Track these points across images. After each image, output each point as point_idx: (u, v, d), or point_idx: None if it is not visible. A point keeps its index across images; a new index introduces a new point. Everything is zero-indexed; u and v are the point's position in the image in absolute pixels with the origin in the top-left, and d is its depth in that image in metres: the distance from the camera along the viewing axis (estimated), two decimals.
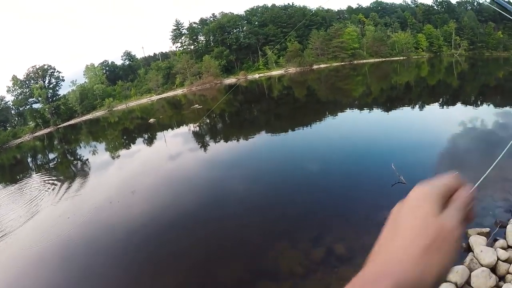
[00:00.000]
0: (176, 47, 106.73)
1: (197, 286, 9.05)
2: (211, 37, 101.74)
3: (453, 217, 0.62)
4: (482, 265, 7.27)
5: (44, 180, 24.63)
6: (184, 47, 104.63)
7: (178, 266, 9.95)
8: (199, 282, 9.19)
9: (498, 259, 7.27)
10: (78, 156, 35.05)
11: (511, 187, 10.91)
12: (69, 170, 27.14)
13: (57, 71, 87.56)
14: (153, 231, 12.54)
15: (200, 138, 30.30)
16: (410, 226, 0.62)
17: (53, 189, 21.13)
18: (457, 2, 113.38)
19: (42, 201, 19.00)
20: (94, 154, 32.72)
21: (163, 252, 10.91)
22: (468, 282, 7.02)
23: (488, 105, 26.72)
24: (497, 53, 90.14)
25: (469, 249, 8.10)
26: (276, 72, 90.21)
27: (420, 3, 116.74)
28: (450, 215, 0.63)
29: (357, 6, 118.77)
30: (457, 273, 7.08)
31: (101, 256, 11.45)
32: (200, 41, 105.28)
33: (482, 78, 48.84)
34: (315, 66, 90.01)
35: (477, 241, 8.03)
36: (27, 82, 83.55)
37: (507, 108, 23.56)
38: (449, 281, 7.07)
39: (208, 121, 40.32)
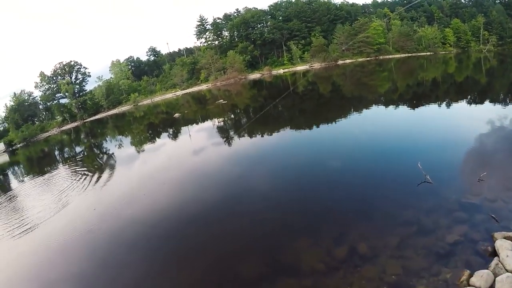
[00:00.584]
0: (200, 43, 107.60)
1: (218, 279, 9.15)
2: (235, 32, 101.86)
3: None
4: (507, 271, 7.13)
5: (71, 173, 25.28)
6: (209, 42, 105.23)
7: (200, 259, 10.08)
8: (220, 275, 9.31)
9: None
10: (104, 150, 35.78)
11: None
12: (95, 164, 27.68)
13: (84, 67, 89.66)
14: (177, 224, 12.78)
15: (224, 133, 30.48)
16: None
17: (81, 182, 21.68)
18: None
19: (70, 193, 19.55)
20: (120, 148, 33.37)
21: (185, 245, 11.11)
22: (492, 287, 6.90)
23: None
24: None
25: (494, 253, 7.96)
26: (300, 68, 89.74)
27: None
28: None
29: (382, 0, 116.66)
30: (482, 278, 6.98)
31: (126, 247, 11.75)
32: (224, 37, 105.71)
33: (511, 75, 47.32)
34: (340, 62, 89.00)
35: (503, 245, 7.85)
36: (54, 78, 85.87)
37: None
38: (472, 285, 6.97)
39: (232, 116, 40.48)
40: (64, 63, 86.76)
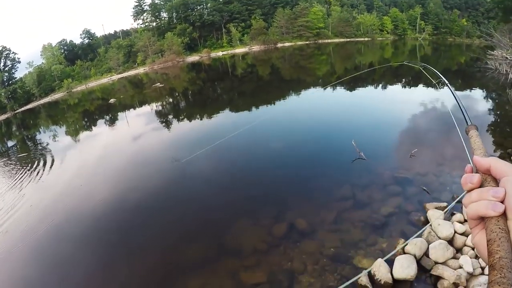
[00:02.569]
0: (137, 24, 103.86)
1: (163, 266, 8.90)
2: (174, 13, 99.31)
3: None
4: (440, 238, 7.38)
5: (4, 169, 23.54)
6: (146, 24, 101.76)
7: (144, 247, 9.78)
8: (165, 261, 9.09)
9: (455, 232, 7.39)
10: (38, 142, 33.54)
11: (468, 163, 11.12)
12: (29, 157, 25.88)
13: (13, 52, 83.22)
14: (119, 215, 12.24)
15: (162, 117, 29.70)
16: None
17: (14, 178, 20.16)
18: None
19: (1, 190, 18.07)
20: (54, 139, 31.40)
21: (128, 235, 10.69)
22: (426, 254, 7.13)
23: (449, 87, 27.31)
24: (460, 39, 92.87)
25: (427, 222, 8.28)
26: (240, 50, 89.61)
27: None
28: None
29: None
30: (416, 245, 7.17)
31: (69, 242, 10.97)
32: (163, 18, 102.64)
33: (444, 62, 50.00)
34: (279, 45, 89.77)
35: (434, 215, 8.18)
36: None
37: (467, 92, 24.18)
38: (408, 253, 7.15)
39: (170, 100, 39.57)
40: None
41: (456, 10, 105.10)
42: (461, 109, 1.81)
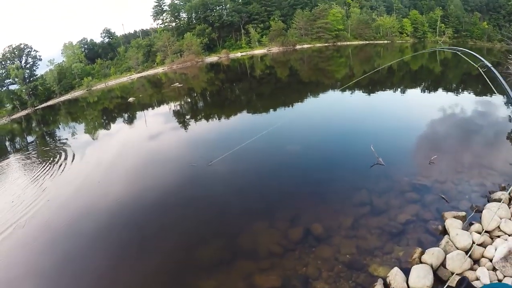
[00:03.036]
0: (157, 24, 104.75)
1: (178, 266, 8.98)
2: (194, 14, 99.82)
3: None
4: (457, 248, 7.29)
5: (24, 163, 24.05)
6: (166, 24, 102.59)
7: (160, 246, 9.84)
8: (180, 261, 9.14)
9: (473, 242, 7.28)
10: (57, 138, 34.10)
11: (487, 173, 11.02)
12: (47, 153, 26.33)
13: (34, 50, 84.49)
14: (135, 212, 12.37)
15: (180, 117, 29.89)
16: None
17: (32, 172, 20.56)
18: None
19: (21, 185, 18.43)
20: (73, 136, 31.90)
21: (145, 233, 10.78)
22: (443, 264, 7.05)
23: (469, 92, 27.02)
24: (481, 43, 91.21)
25: (445, 231, 8.17)
26: (258, 51, 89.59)
27: None
28: None
29: None
30: (433, 255, 7.10)
31: (85, 238, 11.18)
32: (182, 18, 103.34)
33: (464, 66, 49.20)
34: (298, 46, 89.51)
35: (453, 224, 8.06)
36: (3, 62, 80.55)
37: (487, 98, 23.79)
38: (424, 262, 7.09)
39: (188, 100, 39.84)
40: (14, 46, 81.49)
41: (477, 12, 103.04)
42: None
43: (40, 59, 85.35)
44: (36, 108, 74.34)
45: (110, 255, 10.02)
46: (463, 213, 8.56)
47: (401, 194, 10.35)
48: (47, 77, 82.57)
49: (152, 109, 38.78)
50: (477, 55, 4.33)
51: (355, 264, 7.74)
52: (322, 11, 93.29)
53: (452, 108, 20.83)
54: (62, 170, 19.56)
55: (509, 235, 7.41)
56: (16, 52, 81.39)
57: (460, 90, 28.92)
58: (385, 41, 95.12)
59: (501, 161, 11.94)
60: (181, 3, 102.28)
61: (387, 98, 26.93)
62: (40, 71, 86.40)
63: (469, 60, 6.14)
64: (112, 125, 33.71)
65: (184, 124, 26.51)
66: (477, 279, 6.49)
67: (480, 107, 21.06)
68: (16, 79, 77.75)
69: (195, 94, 43.73)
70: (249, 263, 8.48)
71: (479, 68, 5.72)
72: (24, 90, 76.34)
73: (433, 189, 10.41)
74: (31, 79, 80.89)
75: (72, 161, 21.23)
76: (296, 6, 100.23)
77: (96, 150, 23.96)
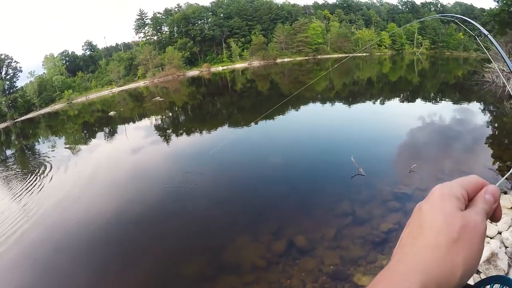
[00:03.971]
0: (139, 38, 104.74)
1: (160, 281, 8.88)
2: (175, 28, 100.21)
3: (478, 214, 0.61)
4: None
5: (2, 176, 23.53)
6: (147, 37, 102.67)
7: (142, 261, 9.75)
8: (162, 277, 9.03)
9: None
10: (37, 152, 33.49)
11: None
12: (27, 167, 25.84)
13: (15, 61, 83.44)
14: (117, 227, 12.24)
15: (161, 132, 29.74)
16: (434, 224, 0.61)
17: (11, 186, 20.17)
18: (421, 3, 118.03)
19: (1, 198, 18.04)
20: (53, 150, 31.35)
21: (126, 248, 10.68)
22: None
23: (447, 102, 27.70)
24: (458, 53, 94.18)
25: None
26: (239, 65, 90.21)
27: (385, 2, 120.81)
28: (474, 212, 0.62)
29: (323, 2, 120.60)
30: None
31: (67, 253, 10.97)
32: (164, 32, 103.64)
33: (442, 76, 50.50)
34: (278, 60, 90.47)
35: None
36: None
37: (464, 105, 24.42)
38: None
39: (170, 114, 39.70)
40: None
41: (452, 24, 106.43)
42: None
43: (21, 71, 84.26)
44: (15, 120, 72.71)
45: (91, 271, 9.83)
46: None
47: (383, 203, 10.49)
48: (27, 89, 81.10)
49: (133, 123, 38.47)
50: (474, 22, 4.52)
51: (339, 275, 7.79)
52: (302, 25, 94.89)
53: (431, 117, 21.37)
54: (42, 185, 19.20)
55: (491, 238, 7.55)
56: None
57: (438, 99, 29.64)
58: (364, 54, 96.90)
59: (480, 165, 12.24)
60: (163, 17, 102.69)
61: (366, 109, 27.38)
62: (20, 82, 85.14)
63: (466, 28, 6.30)
64: (92, 139, 33.23)
65: (166, 138, 26.42)
66: None
67: (458, 115, 21.70)
68: None
69: (176, 108, 43.64)
70: (233, 277, 8.46)
71: (476, 36, 5.92)
72: (3, 102, 74.60)
73: (414, 197, 10.64)
74: (11, 91, 79.53)
75: (52, 176, 20.86)
76: (277, 20, 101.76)
77: (77, 165, 23.53)
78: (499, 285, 0.54)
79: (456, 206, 0.62)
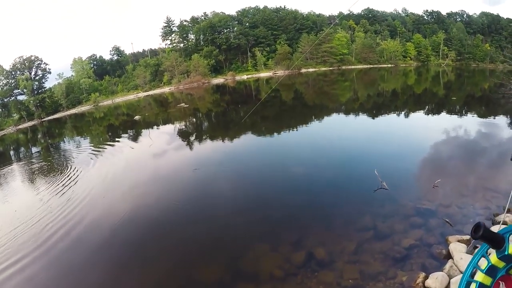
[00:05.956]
0: (165, 44, 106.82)
1: (178, 285, 8.96)
2: (201, 36, 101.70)
3: None
4: (461, 272, 7.24)
5: (27, 173, 24.23)
6: (174, 44, 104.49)
7: (160, 265, 9.80)
8: (179, 281, 9.11)
9: (478, 267, 7.24)
10: (62, 151, 34.31)
11: (491, 195, 11.06)
12: (51, 165, 26.49)
13: (44, 63, 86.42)
14: (137, 230, 12.34)
15: (185, 137, 30.02)
16: None
17: (35, 184, 20.73)
18: (447, 13, 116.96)
19: (21, 197, 18.57)
20: (78, 149, 32.09)
21: (145, 251, 10.77)
22: None
23: (473, 115, 27.16)
24: (484, 65, 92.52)
25: (449, 256, 8.16)
26: (264, 74, 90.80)
27: (410, 12, 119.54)
28: None
29: (349, 12, 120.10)
30: (437, 280, 7.09)
31: (87, 253, 11.15)
32: (190, 40, 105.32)
33: (468, 89, 49.61)
34: (303, 70, 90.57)
35: (457, 248, 8.06)
36: (13, 72, 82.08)
37: (491, 119, 23.91)
38: (428, 287, 7.07)
39: (194, 120, 40.10)
40: (24, 57, 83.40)
41: (479, 35, 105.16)
42: None
43: (50, 72, 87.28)
44: (42, 120, 75.07)
45: (109, 270, 10.00)
46: (467, 237, 8.56)
47: (405, 219, 10.35)
48: (55, 90, 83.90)
49: (158, 128, 38.96)
50: None
51: None
52: (327, 36, 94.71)
53: (456, 131, 21.01)
54: (64, 185, 19.63)
55: None
56: (27, 64, 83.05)
57: (463, 112, 29.11)
58: (389, 65, 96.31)
59: (505, 182, 11.95)
60: (190, 25, 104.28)
61: (391, 122, 27.07)
62: (49, 83, 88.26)
63: None
64: (116, 141, 33.77)
65: (188, 145, 26.61)
66: None
67: (483, 129, 21.24)
68: (25, 90, 79.12)
69: (200, 115, 44.03)
70: (250, 286, 8.44)
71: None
72: (32, 102, 77.17)
73: (437, 213, 10.44)
74: (40, 91, 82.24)
75: (76, 175, 21.30)
76: (302, 30, 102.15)
77: (102, 165, 23.97)
78: None
79: None
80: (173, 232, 11.74)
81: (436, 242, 8.95)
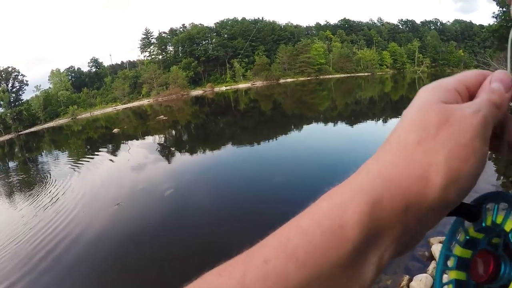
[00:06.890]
0: (144, 56, 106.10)
1: None
2: (180, 47, 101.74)
3: (471, 106, 0.44)
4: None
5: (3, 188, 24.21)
6: (152, 56, 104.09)
7: (140, 276, 9.96)
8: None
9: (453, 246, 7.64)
10: (39, 165, 34.17)
11: (470, 195, 11.45)
12: (28, 180, 26.45)
13: (22, 74, 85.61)
14: (117, 245, 12.33)
15: (164, 149, 30.24)
16: (405, 120, 0.47)
17: (12, 198, 20.82)
18: (421, 22, 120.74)
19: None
20: (55, 164, 31.99)
21: (125, 264, 10.89)
22: None
23: None
24: (458, 70, 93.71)
25: (431, 257, 8.36)
26: (243, 85, 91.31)
27: (386, 22, 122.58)
28: (467, 104, 0.46)
29: (325, 23, 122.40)
30: (421, 281, 7.24)
31: (69, 269, 11.31)
32: (169, 51, 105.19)
33: None
34: (281, 80, 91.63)
35: (439, 249, 8.13)
36: None
37: None
38: None
39: (173, 132, 40.33)
40: (1, 68, 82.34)
41: (452, 42, 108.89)
42: None
43: (27, 84, 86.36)
44: (19, 133, 73.84)
45: (94, 280, 10.15)
46: None
47: None
48: (33, 102, 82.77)
49: (137, 140, 39.02)
50: None
51: None
52: (305, 46, 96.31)
53: None
54: (42, 198, 19.70)
55: None
56: (3, 75, 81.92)
57: None
58: (366, 73, 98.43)
59: (483, 182, 12.54)
60: (168, 37, 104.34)
61: (369, 129, 27.46)
62: (26, 96, 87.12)
63: None
64: (95, 155, 33.62)
65: (168, 156, 26.87)
66: None
67: None
68: (1, 103, 77.92)
69: (179, 127, 44.26)
70: None
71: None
72: (8, 114, 76.04)
73: None
74: (17, 104, 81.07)
75: (54, 188, 21.33)
76: (280, 41, 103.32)
77: (80, 180, 23.99)
78: (507, 204, 0.49)
79: (441, 97, 0.47)
80: (154, 244, 11.75)
81: (418, 244, 9.22)
